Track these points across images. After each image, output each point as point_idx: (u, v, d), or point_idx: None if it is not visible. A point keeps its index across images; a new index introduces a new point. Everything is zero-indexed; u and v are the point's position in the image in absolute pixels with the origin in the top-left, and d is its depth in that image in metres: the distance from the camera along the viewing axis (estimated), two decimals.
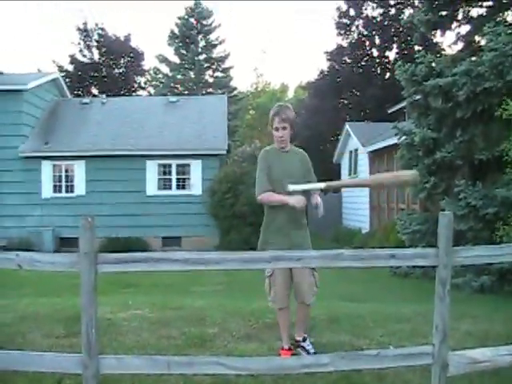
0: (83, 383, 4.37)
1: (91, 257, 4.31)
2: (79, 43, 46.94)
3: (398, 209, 20.48)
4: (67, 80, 39.52)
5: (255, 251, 4.54)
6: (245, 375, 4.90)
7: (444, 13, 15.11)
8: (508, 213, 7.85)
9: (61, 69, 43.29)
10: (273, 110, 5.58)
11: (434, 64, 13.39)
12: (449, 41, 34.00)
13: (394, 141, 16.42)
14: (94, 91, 45.87)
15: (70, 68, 45.48)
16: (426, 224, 12.93)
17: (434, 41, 19.11)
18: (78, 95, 40.78)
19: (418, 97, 13.66)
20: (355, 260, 4.54)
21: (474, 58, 12.83)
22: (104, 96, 31.60)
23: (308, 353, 5.67)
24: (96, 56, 47.11)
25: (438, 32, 15.89)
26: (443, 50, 16.39)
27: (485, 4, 15.01)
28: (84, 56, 46.79)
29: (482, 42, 13.29)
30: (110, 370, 4.49)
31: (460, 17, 15.35)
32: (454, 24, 15.44)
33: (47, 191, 23.46)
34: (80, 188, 23.47)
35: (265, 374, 4.89)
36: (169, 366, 4.45)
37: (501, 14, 14.32)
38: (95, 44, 47.07)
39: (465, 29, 15.45)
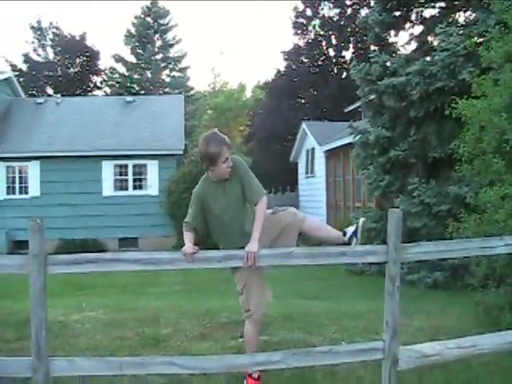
0: None
1: (40, 258, 4.25)
2: (33, 42, 46.37)
3: (355, 207, 20.64)
4: (21, 79, 38.92)
5: (207, 250, 4.52)
6: (198, 374, 4.89)
7: (397, 13, 15.27)
8: (460, 209, 7.97)
9: (14, 68, 42.52)
10: (214, 140, 4.76)
11: (388, 64, 13.53)
12: (403, 41, 34.38)
13: (349, 140, 16.54)
14: (49, 91, 45.25)
15: (24, 67, 44.78)
16: (381, 222, 13.03)
17: (390, 41, 19.29)
18: (33, 95, 40.11)
19: (372, 96, 13.79)
20: (306, 257, 4.56)
21: (427, 58, 13.01)
22: (59, 96, 31.22)
23: None
24: (51, 55, 46.52)
25: (392, 32, 16.05)
26: (398, 49, 16.53)
27: (437, 5, 15.20)
28: (38, 55, 46.18)
29: (435, 43, 13.47)
30: (61, 372, 4.42)
31: (413, 17, 15.52)
32: (408, 24, 15.62)
33: (0, 193, 23.07)
34: (34, 189, 23.12)
35: (218, 373, 4.89)
36: (121, 367, 4.41)
37: (453, 15, 14.53)
38: (50, 43, 46.47)
39: (418, 29, 15.69)
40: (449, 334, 5.87)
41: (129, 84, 45.95)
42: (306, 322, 7.14)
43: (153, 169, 23.51)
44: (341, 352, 4.72)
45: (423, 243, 5.00)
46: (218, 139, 4.76)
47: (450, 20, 13.70)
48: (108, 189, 23.40)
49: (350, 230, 5.04)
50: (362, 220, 5.14)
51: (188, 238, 4.72)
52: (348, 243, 4.96)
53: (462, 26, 13.20)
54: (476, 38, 11.71)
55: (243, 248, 4.41)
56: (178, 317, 7.21)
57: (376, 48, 15.83)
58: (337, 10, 41.15)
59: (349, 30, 40.34)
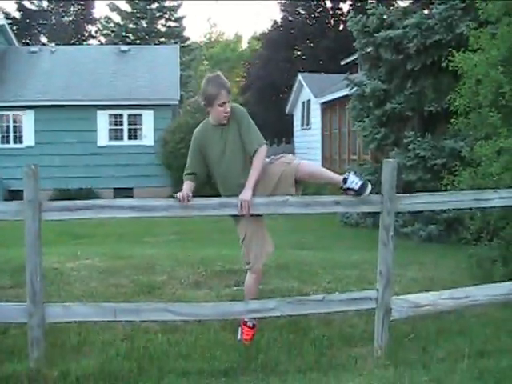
0: (28, 332, 4.35)
1: (35, 204, 4.25)
2: None
3: (350, 160, 20.64)
4: (14, 28, 38.39)
5: (202, 198, 4.53)
6: (192, 321, 4.94)
7: None
8: (455, 163, 7.98)
9: (7, 16, 41.78)
10: (215, 82, 4.76)
11: (385, 16, 13.36)
12: None
13: (346, 92, 16.43)
14: (43, 40, 44.69)
15: (18, 15, 44.12)
16: (376, 174, 13.03)
17: None
18: (27, 44, 39.62)
19: (369, 48, 13.65)
20: (301, 206, 4.58)
21: (425, 11, 12.86)
22: (53, 45, 30.84)
23: None
24: (45, 3, 45.77)
25: None
26: (396, 2, 16.33)
27: None
28: (32, 3, 45.36)
29: None
30: (56, 318, 4.47)
31: None
32: None
33: None
34: (29, 139, 23.00)
35: (212, 320, 4.94)
36: (115, 314, 4.46)
37: None
38: None
39: None
40: (442, 286, 5.94)
41: (124, 33, 45.35)
42: (301, 271, 7.20)
43: (148, 119, 23.37)
44: (334, 301, 4.77)
45: (417, 194, 5.01)
46: (218, 81, 4.74)
47: None
48: (103, 139, 23.30)
49: (355, 182, 4.68)
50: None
51: (186, 186, 4.74)
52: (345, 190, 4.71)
53: None
54: None
55: None
56: (173, 265, 7.26)
57: (373, 0, 15.63)
58: None
59: None
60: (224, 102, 4.70)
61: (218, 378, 4.22)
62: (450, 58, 7.65)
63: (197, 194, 4.63)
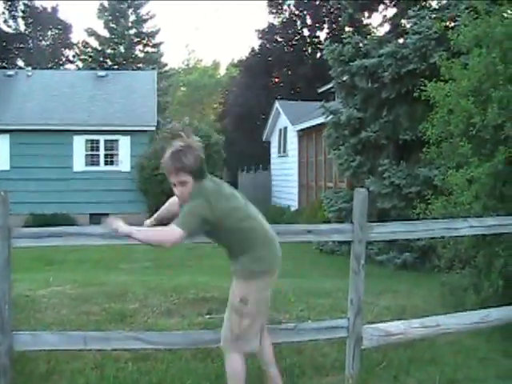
0: None
1: (4, 231, 4.22)
2: (3, 13, 45.31)
3: (326, 187, 20.71)
4: None
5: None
6: (163, 349, 4.91)
7: None
8: (429, 191, 8.06)
9: None
10: (167, 158, 4.05)
11: (360, 45, 13.56)
12: (377, 23, 34.50)
13: (322, 120, 16.57)
14: (20, 63, 44.52)
15: None
16: (351, 202, 13.11)
17: (363, 22, 19.25)
18: (3, 67, 39.43)
19: (345, 77, 13.80)
20: None
21: (399, 41, 13.05)
22: (30, 68, 30.78)
23: None
24: (22, 27, 45.71)
25: (366, 13, 16.05)
26: (372, 31, 16.51)
27: None
28: (9, 26, 45.24)
29: (408, 25, 13.50)
30: (25, 346, 4.42)
31: None
32: (381, 6, 15.62)
33: None
34: (4, 163, 22.79)
35: (183, 348, 4.91)
36: (85, 342, 4.42)
37: None
38: (21, 14, 45.55)
39: (391, 11, 15.63)
40: (414, 314, 5.96)
41: (101, 59, 45.39)
42: (274, 299, 7.10)
43: (125, 144, 23.36)
44: (306, 329, 4.78)
45: (389, 223, 5.05)
46: (169, 158, 4.03)
47: (423, 3, 13.71)
48: (79, 164, 23.20)
49: None
50: None
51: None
52: None
53: (435, 9, 13.25)
54: (448, 22, 11.77)
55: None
56: (146, 292, 7.21)
57: (350, 29, 15.83)
58: None
59: (323, 10, 40.20)
60: (174, 184, 4.01)
61: None
62: (422, 87, 7.76)
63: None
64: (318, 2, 40.43)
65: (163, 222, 4.27)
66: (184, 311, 6.45)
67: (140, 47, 47.20)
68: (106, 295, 7.09)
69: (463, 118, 6.76)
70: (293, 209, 23.89)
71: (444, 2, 13.58)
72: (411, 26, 12.34)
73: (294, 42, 41.81)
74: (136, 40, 46.33)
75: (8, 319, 4.28)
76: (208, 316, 6.18)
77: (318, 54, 39.96)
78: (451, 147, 7.09)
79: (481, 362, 5.26)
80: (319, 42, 40.89)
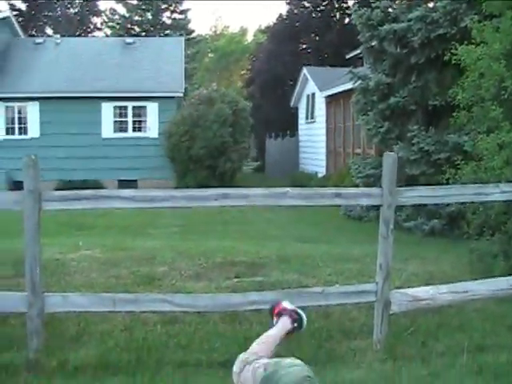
0: (27, 322, 4.36)
1: (35, 194, 4.26)
2: None
3: (354, 153, 20.57)
4: (20, 19, 38.28)
5: (204, 189, 4.52)
6: (192, 313, 4.94)
7: None
8: (458, 157, 7.96)
9: (13, 7, 41.66)
10: None
11: (389, 9, 13.32)
12: None
13: (350, 85, 16.38)
14: (49, 31, 44.54)
15: (23, 7, 44.01)
16: (380, 168, 13.03)
17: None
18: (32, 35, 39.53)
19: (373, 42, 13.59)
20: (300, 198, 4.57)
21: (429, 5, 12.79)
22: (58, 36, 30.82)
23: None
24: None
25: None
26: None
27: None
28: None
29: None
30: (55, 308, 4.48)
31: None
32: None
33: None
34: (34, 130, 23.00)
35: (211, 312, 4.94)
36: (114, 304, 4.47)
37: None
38: None
39: None
40: (442, 280, 5.91)
41: (129, 26, 45.22)
42: (302, 264, 7.19)
43: (153, 111, 23.38)
44: (333, 293, 4.78)
45: (418, 187, 5.01)
46: None
47: None
48: (107, 130, 23.31)
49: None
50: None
51: None
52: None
53: None
54: None
55: None
56: (174, 257, 7.26)
57: None
58: None
59: None
60: None
61: (216, 370, 4.22)
62: (453, 51, 7.62)
63: (201, 185, 4.61)
64: None
65: None
66: (212, 275, 6.49)
67: (167, 14, 46.89)
68: (134, 259, 7.16)
69: (495, 81, 6.65)
70: (320, 175, 23.81)
71: None
72: None
73: (321, 8, 41.20)
74: (163, 6, 46.01)
75: (39, 281, 4.33)
76: (236, 280, 6.21)
77: (346, 20, 39.42)
78: (482, 112, 6.99)
79: (509, 330, 5.22)
80: (347, 8, 40.27)
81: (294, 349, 4.56)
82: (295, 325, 3.74)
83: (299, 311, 3.82)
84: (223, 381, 3.88)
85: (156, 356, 4.42)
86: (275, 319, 3.81)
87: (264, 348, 3.31)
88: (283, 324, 3.69)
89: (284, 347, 4.54)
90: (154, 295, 4.83)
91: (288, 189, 4.54)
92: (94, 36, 45.41)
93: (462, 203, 7.22)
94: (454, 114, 7.66)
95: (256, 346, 3.30)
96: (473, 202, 6.65)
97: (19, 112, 23.19)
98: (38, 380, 4.00)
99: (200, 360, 4.38)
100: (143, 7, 45.16)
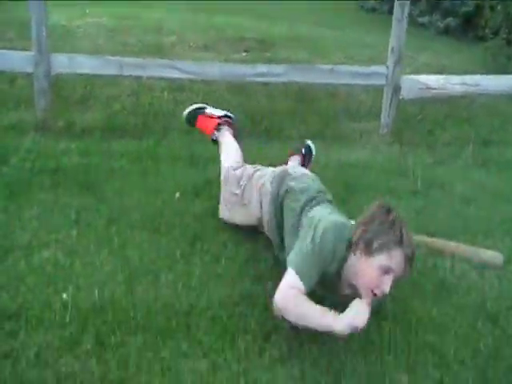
0: (34, 83, 4.31)
1: None
2: None
3: None
4: None
5: None
6: (199, 81, 4.88)
7: None
8: None
9: None
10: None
11: None
12: None
13: None
14: None
15: None
16: None
17: None
18: None
19: None
20: None
21: None
22: None
23: None
24: None
25: None
26: None
27: None
28: None
29: None
30: (62, 69, 4.38)
31: None
32: None
33: None
34: None
35: (218, 81, 4.86)
36: (121, 68, 4.39)
37: None
38: None
39: None
40: (454, 73, 5.80)
41: None
42: (313, 45, 7.02)
43: None
44: (344, 72, 4.69)
45: None
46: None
47: None
48: None
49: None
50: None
51: None
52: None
53: None
54: None
55: None
56: (183, 28, 7.07)
57: None
58: None
59: None
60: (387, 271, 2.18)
61: None
62: None
63: None
64: None
65: None
66: (221, 47, 6.35)
67: None
68: (142, 28, 6.99)
69: None
70: None
71: None
72: None
73: None
74: None
75: (45, 42, 4.22)
76: (245, 53, 6.09)
77: None
78: None
79: None
80: None
81: (300, 125, 4.59)
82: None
83: (230, 114, 3.44)
84: None
85: (163, 122, 4.43)
86: (212, 133, 3.36)
87: (237, 158, 3.14)
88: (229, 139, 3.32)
89: (289, 122, 4.56)
90: (161, 61, 4.71)
91: None
92: None
93: None
94: None
95: (231, 162, 3.07)
96: None
97: None
98: (46, 139, 4.00)
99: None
100: None
